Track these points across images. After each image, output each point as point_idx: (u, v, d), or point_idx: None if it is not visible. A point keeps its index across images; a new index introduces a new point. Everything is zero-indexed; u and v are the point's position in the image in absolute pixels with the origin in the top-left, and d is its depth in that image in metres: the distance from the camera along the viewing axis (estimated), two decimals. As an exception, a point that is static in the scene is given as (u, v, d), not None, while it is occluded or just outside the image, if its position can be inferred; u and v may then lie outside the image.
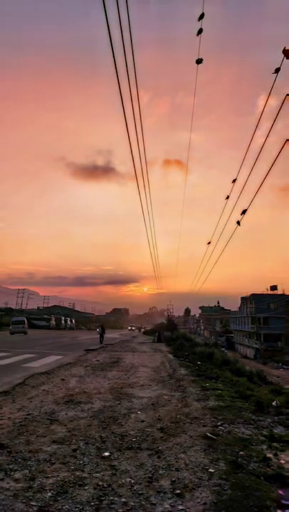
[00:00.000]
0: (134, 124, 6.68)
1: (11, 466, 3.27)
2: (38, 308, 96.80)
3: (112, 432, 4.32)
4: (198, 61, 6.45)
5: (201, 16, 5.70)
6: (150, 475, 3.16)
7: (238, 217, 7.40)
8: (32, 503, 2.64)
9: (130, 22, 4.79)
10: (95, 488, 2.88)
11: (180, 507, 2.64)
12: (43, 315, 72.13)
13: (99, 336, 24.05)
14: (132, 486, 2.94)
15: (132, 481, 3.03)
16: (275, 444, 4.05)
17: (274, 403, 6.62)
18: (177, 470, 3.28)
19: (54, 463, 3.37)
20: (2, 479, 3.02)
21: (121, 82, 5.37)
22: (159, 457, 3.57)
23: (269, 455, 3.70)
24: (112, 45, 4.68)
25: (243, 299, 63.55)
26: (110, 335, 36.64)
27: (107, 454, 3.62)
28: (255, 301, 56.43)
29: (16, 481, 3.00)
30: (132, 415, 5.12)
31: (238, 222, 7.54)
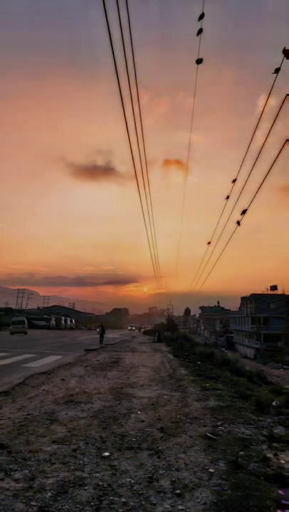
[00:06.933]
0: (134, 124, 6.67)
1: (11, 466, 3.27)
2: (38, 308, 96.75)
3: (112, 432, 4.32)
4: (198, 61, 6.44)
5: (201, 16, 5.68)
6: (150, 475, 3.16)
7: (238, 217, 7.39)
8: (32, 503, 2.64)
9: (130, 22, 4.78)
10: (95, 488, 2.88)
11: (180, 507, 2.64)
12: (43, 315, 72.16)
13: (99, 336, 24.05)
14: (132, 486, 2.94)
15: (132, 481, 3.03)
16: (275, 444, 4.04)
17: (274, 403, 6.61)
18: (177, 470, 3.28)
19: (54, 463, 3.37)
20: (2, 479, 3.02)
21: (121, 82, 5.36)
22: (159, 457, 3.57)
23: (269, 455, 3.70)
24: (112, 45, 4.67)
25: (243, 299, 63.53)
26: (110, 335, 36.64)
27: (107, 454, 3.62)
28: (255, 301, 56.42)
29: (16, 481, 3.00)
30: (132, 415, 5.12)
31: (238, 222, 7.53)
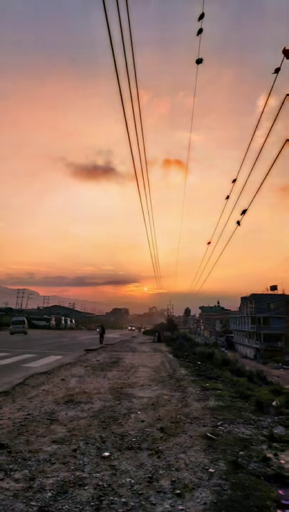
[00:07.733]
0: (134, 124, 6.67)
1: (11, 466, 3.27)
2: (38, 308, 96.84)
3: (112, 432, 4.32)
4: (198, 61, 6.44)
5: (201, 16, 5.68)
6: (150, 475, 3.16)
7: (238, 217, 7.38)
8: (32, 503, 2.63)
9: (130, 22, 4.78)
10: (95, 488, 2.88)
11: (180, 507, 2.64)
12: (43, 315, 72.25)
13: (99, 336, 24.07)
14: (132, 486, 2.94)
15: (132, 481, 3.03)
16: (275, 444, 4.04)
17: (274, 403, 6.61)
18: (177, 470, 3.28)
19: (54, 463, 3.37)
20: (2, 479, 3.02)
21: (121, 82, 5.36)
22: (159, 457, 3.57)
23: (269, 455, 3.69)
24: (112, 45, 4.67)
25: (243, 299, 63.56)
26: (110, 335, 36.64)
27: (107, 454, 3.62)
28: (255, 301, 56.44)
29: (16, 481, 3.00)
30: (132, 415, 5.12)
31: (238, 222, 7.53)
